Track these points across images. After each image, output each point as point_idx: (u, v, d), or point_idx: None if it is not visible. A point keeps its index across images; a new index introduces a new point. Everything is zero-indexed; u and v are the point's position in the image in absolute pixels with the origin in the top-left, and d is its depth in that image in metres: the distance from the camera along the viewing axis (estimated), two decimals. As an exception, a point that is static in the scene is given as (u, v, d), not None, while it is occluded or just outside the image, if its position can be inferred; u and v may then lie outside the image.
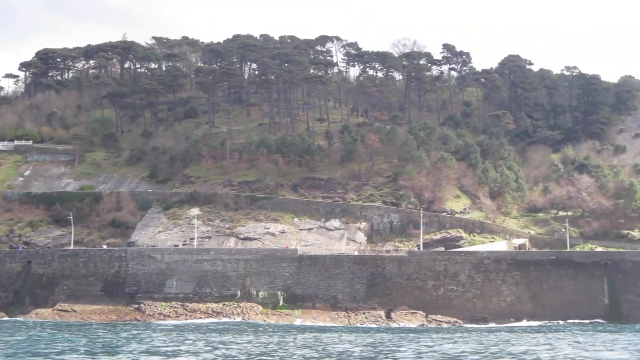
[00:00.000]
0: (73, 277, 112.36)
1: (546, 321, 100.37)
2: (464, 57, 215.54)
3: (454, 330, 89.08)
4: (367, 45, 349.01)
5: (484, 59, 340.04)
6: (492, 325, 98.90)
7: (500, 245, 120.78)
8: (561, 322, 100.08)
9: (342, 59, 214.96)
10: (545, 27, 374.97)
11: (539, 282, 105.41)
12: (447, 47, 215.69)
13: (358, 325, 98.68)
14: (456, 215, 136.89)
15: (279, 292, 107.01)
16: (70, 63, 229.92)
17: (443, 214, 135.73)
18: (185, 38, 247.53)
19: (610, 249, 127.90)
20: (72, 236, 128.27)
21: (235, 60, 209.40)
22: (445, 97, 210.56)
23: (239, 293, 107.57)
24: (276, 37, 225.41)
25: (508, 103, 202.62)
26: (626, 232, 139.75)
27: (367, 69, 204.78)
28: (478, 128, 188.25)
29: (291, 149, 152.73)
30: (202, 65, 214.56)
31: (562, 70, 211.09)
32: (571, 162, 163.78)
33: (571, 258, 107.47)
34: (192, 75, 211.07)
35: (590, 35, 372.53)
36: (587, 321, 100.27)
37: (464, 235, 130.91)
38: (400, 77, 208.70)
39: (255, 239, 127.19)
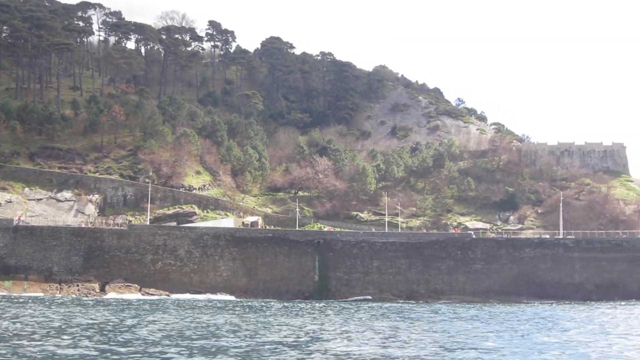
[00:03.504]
0: None
1: (260, 298, 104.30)
2: (228, 35, 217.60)
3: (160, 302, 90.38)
4: (132, 16, 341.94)
5: (252, 38, 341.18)
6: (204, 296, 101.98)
7: (228, 222, 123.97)
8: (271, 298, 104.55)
9: (100, 27, 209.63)
10: (310, 12, 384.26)
11: (254, 258, 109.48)
12: (213, 25, 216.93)
13: (71, 296, 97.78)
14: (193, 192, 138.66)
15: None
16: None
17: (180, 189, 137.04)
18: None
19: (338, 229, 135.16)
20: None
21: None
22: (209, 74, 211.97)
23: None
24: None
25: (268, 84, 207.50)
26: (355, 213, 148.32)
27: (124, 40, 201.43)
28: (236, 106, 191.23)
29: (32, 117, 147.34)
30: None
31: (318, 55, 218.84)
32: (316, 145, 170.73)
33: (286, 236, 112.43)
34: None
35: (350, 24, 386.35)
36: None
37: (197, 211, 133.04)
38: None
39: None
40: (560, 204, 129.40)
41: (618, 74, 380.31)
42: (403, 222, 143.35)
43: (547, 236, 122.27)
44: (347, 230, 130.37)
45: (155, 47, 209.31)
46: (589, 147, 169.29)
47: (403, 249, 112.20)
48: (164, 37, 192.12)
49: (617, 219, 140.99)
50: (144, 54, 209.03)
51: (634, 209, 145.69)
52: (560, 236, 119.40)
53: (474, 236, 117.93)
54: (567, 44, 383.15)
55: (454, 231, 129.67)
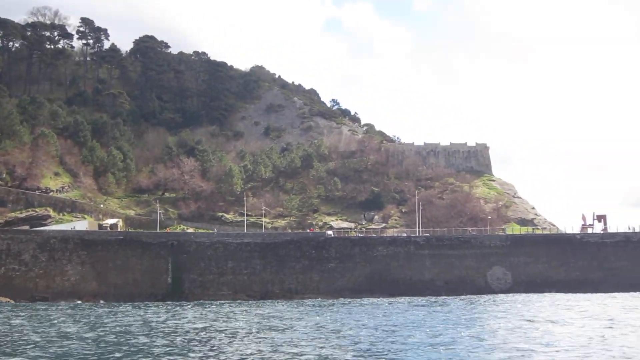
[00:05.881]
0: None
1: (113, 301, 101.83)
2: (100, 33, 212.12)
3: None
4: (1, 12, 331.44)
5: (127, 37, 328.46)
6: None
7: (81, 224, 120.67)
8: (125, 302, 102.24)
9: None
10: (187, 11, 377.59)
11: (105, 261, 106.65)
12: (86, 22, 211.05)
13: None
14: (50, 194, 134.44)
15: None
16: None
17: (37, 191, 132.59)
18: None
19: (201, 230, 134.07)
20: None
21: None
22: (81, 72, 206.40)
23: None
24: None
25: (141, 83, 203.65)
26: (221, 214, 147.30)
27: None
28: (107, 106, 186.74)
29: None
30: None
31: (192, 55, 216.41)
32: (185, 145, 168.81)
33: (139, 238, 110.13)
34: None
35: (228, 23, 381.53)
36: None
37: (52, 214, 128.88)
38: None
39: None
40: (417, 203, 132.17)
41: (483, 77, 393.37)
42: (269, 223, 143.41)
43: (405, 234, 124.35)
44: (204, 231, 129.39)
45: (24, 44, 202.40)
46: (454, 147, 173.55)
47: (258, 249, 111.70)
48: (28, 33, 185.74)
49: (476, 217, 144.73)
50: (13, 51, 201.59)
51: (492, 207, 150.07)
52: (417, 234, 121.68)
53: (331, 235, 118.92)
54: (435, 48, 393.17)
55: (309, 230, 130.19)
